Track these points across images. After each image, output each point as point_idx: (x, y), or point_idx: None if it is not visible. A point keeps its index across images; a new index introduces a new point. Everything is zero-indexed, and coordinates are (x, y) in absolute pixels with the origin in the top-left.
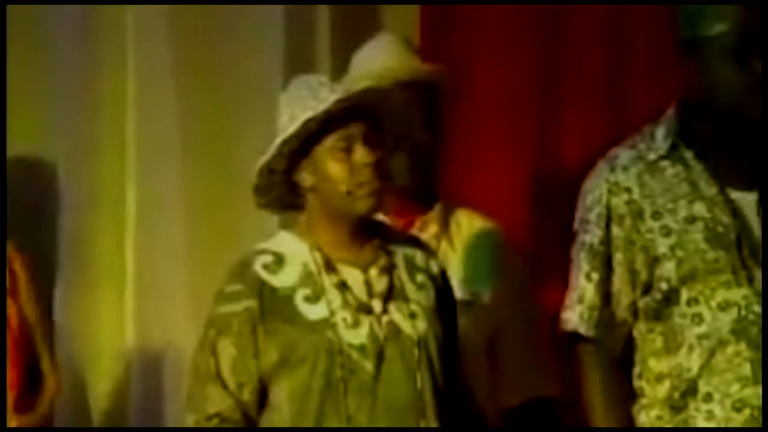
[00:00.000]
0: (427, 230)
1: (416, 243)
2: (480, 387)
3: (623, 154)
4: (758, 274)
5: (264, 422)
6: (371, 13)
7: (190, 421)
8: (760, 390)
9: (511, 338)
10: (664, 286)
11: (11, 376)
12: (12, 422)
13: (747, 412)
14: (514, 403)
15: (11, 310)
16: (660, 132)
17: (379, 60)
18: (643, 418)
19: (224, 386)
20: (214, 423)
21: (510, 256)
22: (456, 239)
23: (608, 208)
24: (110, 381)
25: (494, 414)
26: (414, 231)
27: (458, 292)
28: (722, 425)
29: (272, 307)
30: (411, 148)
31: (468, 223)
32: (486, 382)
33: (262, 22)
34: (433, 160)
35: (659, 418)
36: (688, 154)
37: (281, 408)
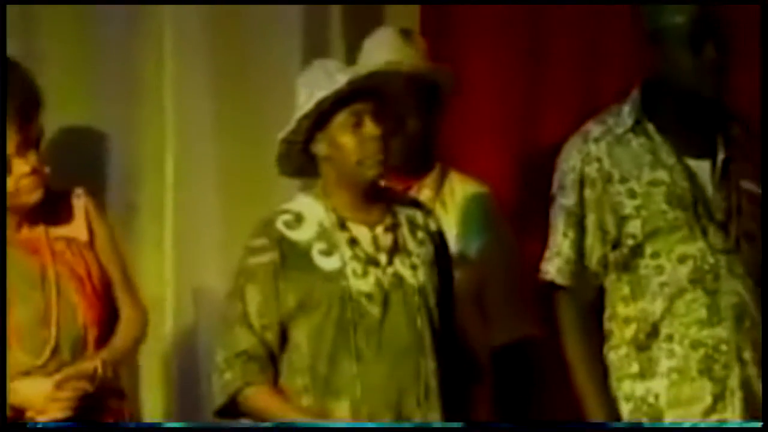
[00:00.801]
0: (422, 194)
1: (417, 204)
2: (471, 330)
3: (594, 129)
4: (712, 230)
5: (285, 360)
6: (378, 10)
7: (220, 358)
8: (714, 331)
9: (498, 286)
10: (630, 241)
11: (90, 315)
12: (90, 358)
13: (702, 350)
14: (503, 340)
15: (90, 258)
16: (626, 109)
17: (383, 53)
18: (612, 356)
19: (250, 327)
20: (242, 359)
21: (498, 216)
22: (449, 201)
23: (582, 175)
24: (151, 324)
25: (485, 354)
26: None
27: (452, 248)
28: (681, 363)
29: (292, 259)
30: (405, 132)
31: (461, 188)
32: (476, 325)
33: (284, 18)
34: (425, 142)
35: (626, 355)
36: (651, 128)
37: (300, 347)
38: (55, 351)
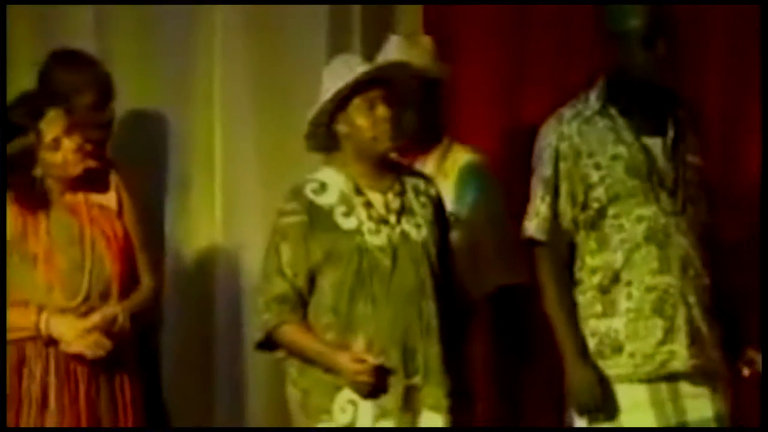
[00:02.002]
0: (429, 164)
1: (420, 175)
2: (466, 276)
3: (567, 112)
4: (663, 196)
5: (312, 303)
6: (389, 11)
7: (260, 302)
8: (664, 278)
9: (489, 240)
10: (596, 205)
11: (116, 270)
12: (114, 307)
13: (655, 294)
14: (499, 282)
15: (118, 225)
16: (593, 96)
17: (392, 54)
18: (581, 299)
19: (284, 276)
20: (277, 302)
21: (491, 179)
22: (450, 168)
23: (557, 150)
24: (202, 274)
25: (480, 298)
26: (416, 165)
27: (450, 209)
28: (637, 304)
29: (318, 219)
30: (414, 114)
31: (461, 156)
32: (470, 272)
33: (312, 21)
34: (432, 122)
35: (592, 298)
36: (613, 112)
37: (324, 292)
38: (87, 297)
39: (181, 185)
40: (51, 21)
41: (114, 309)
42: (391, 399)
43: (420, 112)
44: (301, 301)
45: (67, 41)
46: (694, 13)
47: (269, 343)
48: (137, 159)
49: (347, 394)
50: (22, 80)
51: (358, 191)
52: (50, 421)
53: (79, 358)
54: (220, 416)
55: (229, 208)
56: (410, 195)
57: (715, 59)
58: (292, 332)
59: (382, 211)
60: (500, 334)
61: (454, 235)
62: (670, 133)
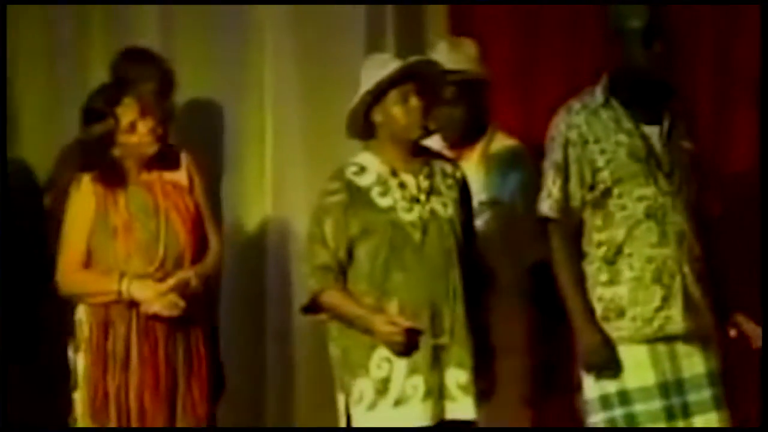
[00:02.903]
0: (474, 155)
1: (447, 159)
2: (508, 253)
3: (575, 104)
4: (660, 178)
5: (351, 271)
6: (419, 10)
7: (306, 270)
8: (662, 251)
9: (527, 219)
10: (602, 186)
11: (188, 239)
12: (187, 272)
13: (654, 265)
14: (536, 258)
15: (189, 200)
16: (598, 90)
17: (439, 56)
18: (588, 269)
19: (327, 247)
20: (320, 270)
21: (530, 164)
22: (492, 157)
23: (566, 138)
24: (255, 243)
25: (518, 270)
26: (461, 159)
27: (492, 191)
28: (638, 273)
29: (357, 198)
30: (459, 111)
31: (501, 145)
32: (512, 249)
33: (351, 23)
34: (477, 117)
35: (598, 269)
36: (616, 104)
37: (362, 262)
38: (162, 263)
39: (235, 165)
40: (121, 22)
41: (187, 273)
42: (421, 357)
43: (467, 110)
44: (341, 270)
45: (135, 40)
46: (685, 13)
47: (314, 306)
48: (198, 142)
49: (382, 352)
50: (99, 74)
51: (393, 173)
52: (133, 376)
53: (157, 317)
54: (271, 370)
55: (278, 185)
56: (438, 177)
57: (705, 56)
58: (333, 297)
59: (414, 191)
60: (538, 303)
61: (496, 215)
62: (666, 122)
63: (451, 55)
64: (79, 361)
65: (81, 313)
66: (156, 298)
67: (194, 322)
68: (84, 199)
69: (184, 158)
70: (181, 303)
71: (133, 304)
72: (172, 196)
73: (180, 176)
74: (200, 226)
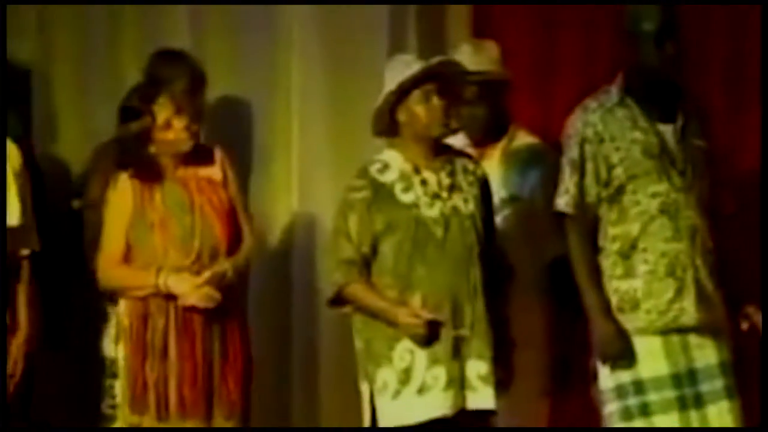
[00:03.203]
0: (495, 153)
1: (468, 156)
2: (528, 248)
3: (591, 103)
4: (674, 174)
5: (375, 266)
6: (441, 10)
7: (331, 264)
8: (676, 245)
9: (547, 216)
10: (617, 182)
11: (223, 233)
12: (222, 265)
13: (667, 259)
14: (556, 253)
15: (223, 194)
16: (614, 89)
17: (461, 57)
18: (604, 263)
19: (351, 241)
20: (345, 264)
21: (550, 162)
22: (513, 154)
23: (583, 136)
24: (281, 236)
25: (537, 265)
26: (483, 157)
27: (513, 188)
28: (652, 267)
29: (381, 194)
30: (481, 111)
31: (522, 143)
32: (531, 245)
33: (374, 16)
34: (498, 117)
35: (614, 263)
36: (631, 102)
37: (386, 257)
38: (198, 256)
39: (263, 161)
40: (152, 24)
41: (222, 266)
42: (442, 348)
43: (489, 110)
44: (365, 264)
45: (166, 41)
46: (697, 15)
47: (339, 299)
48: (228, 138)
49: (405, 343)
50: (131, 74)
51: (416, 170)
52: (172, 367)
53: (193, 309)
54: (297, 359)
55: (305, 181)
56: (459, 174)
57: (716, 57)
58: (358, 290)
59: (435, 187)
60: (557, 297)
61: (517, 211)
62: (679, 121)
63: (474, 57)
64: (120, 352)
65: (121, 306)
66: (192, 290)
67: (229, 313)
68: (122, 196)
69: (218, 154)
70: (217, 295)
71: (170, 297)
72: (206, 191)
73: (214, 171)
74: (234, 220)
